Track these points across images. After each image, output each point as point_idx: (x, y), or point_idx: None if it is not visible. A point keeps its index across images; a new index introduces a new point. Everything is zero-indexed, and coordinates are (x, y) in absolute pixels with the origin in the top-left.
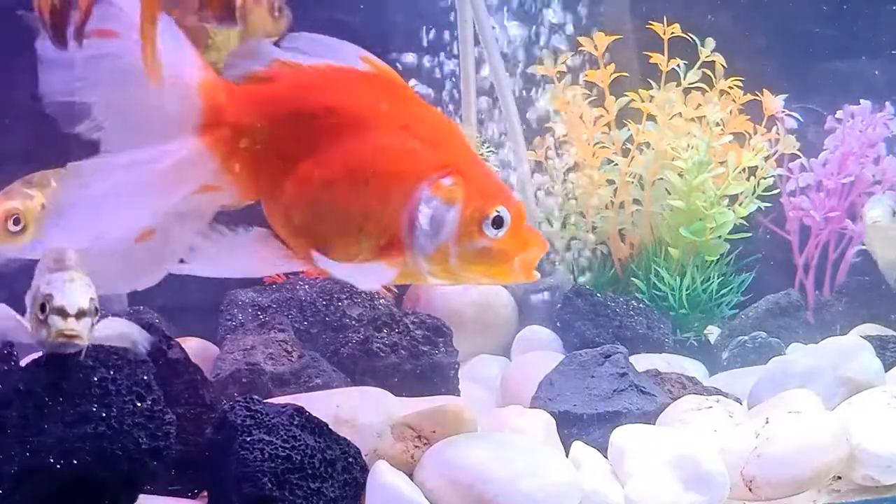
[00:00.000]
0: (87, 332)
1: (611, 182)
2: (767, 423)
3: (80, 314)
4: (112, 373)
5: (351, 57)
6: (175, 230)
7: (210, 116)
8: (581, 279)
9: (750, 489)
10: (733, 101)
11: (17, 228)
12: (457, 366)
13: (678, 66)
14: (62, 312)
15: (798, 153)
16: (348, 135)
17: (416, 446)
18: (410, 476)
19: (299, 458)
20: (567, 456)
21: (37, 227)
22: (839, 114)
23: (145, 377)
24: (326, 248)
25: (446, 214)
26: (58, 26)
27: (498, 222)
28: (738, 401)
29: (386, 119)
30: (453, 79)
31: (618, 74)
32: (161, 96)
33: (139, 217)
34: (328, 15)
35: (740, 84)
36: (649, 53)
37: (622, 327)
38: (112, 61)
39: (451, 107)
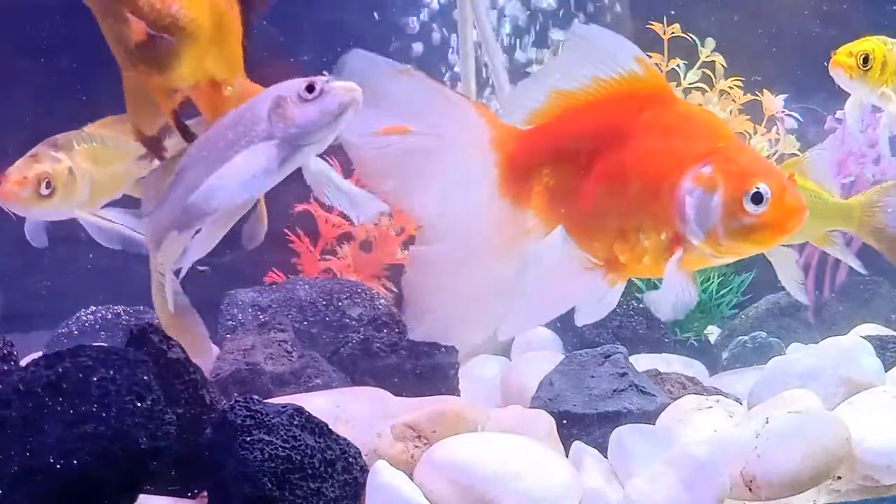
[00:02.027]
0: None
1: None
2: (767, 423)
3: None
4: (112, 373)
5: (626, 56)
6: None
7: (509, 177)
8: None
9: (750, 489)
10: (733, 101)
11: (48, 192)
12: (457, 366)
13: (678, 66)
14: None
15: (798, 153)
16: (617, 147)
17: (416, 446)
18: (410, 476)
19: (299, 458)
20: (567, 456)
21: (64, 191)
22: (839, 114)
23: (145, 377)
24: (618, 254)
25: (710, 201)
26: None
27: (758, 198)
28: (738, 401)
29: (649, 125)
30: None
31: None
32: (461, 171)
33: None
34: (329, 13)
35: (740, 84)
36: (649, 54)
37: (622, 327)
38: (407, 154)
39: None
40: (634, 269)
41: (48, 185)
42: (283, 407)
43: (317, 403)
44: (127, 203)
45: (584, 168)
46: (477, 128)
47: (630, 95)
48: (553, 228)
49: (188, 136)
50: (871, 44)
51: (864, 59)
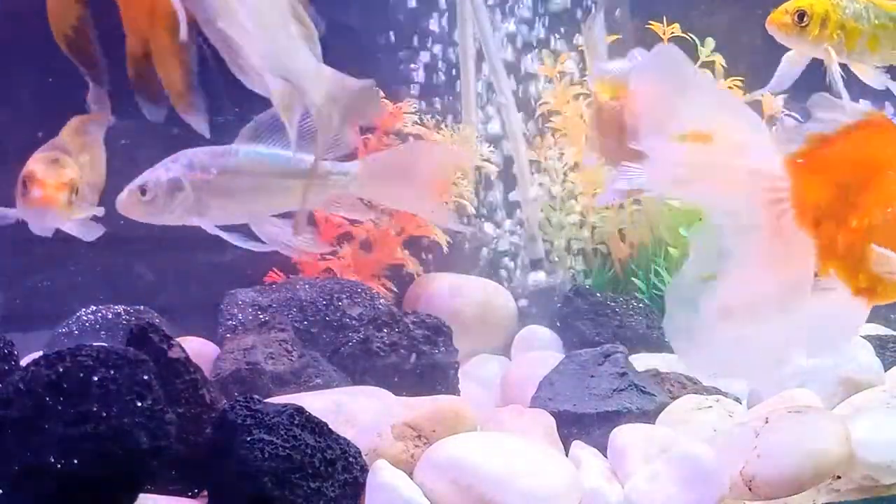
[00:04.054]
0: None
1: None
2: (767, 422)
3: None
4: (112, 372)
5: (864, 106)
6: None
7: (799, 204)
8: (581, 279)
9: (750, 488)
10: None
11: (76, 199)
12: (457, 365)
13: None
14: None
15: None
16: (887, 181)
17: (416, 446)
18: (410, 475)
19: (299, 457)
20: (567, 456)
21: (80, 195)
22: None
23: (145, 377)
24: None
25: None
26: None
27: None
28: (738, 401)
29: None
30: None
31: None
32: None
33: None
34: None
35: (740, 84)
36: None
37: (622, 327)
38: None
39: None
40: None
41: (76, 193)
42: (284, 406)
43: (317, 403)
44: None
45: (853, 200)
46: (773, 151)
47: (879, 135)
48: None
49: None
50: (810, 0)
51: (799, 15)
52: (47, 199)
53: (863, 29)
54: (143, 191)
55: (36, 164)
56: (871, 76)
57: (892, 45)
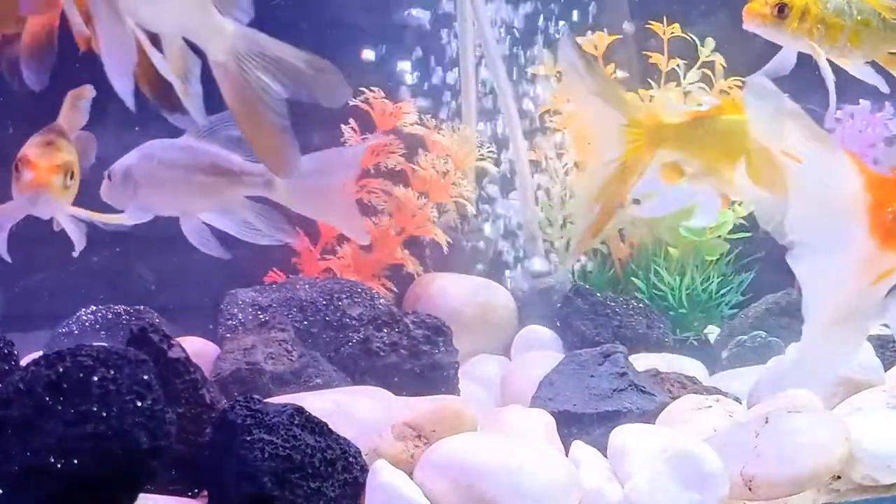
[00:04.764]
0: None
1: None
2: (767, 422)
3: None
4: (112, 372)
5: None
6: None
7: (878, 219)
8: (580, 279)
9: (749, 488)
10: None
11: (71, 182)
12: (457, 365)
13: (678, 66)
14: None
15: None
16: None
17: (416, 446)
18: (410, 475)
19: (299, 457)
20: (567, 455)
21: (75, 180)
22: (839, 114)
23: (145, 377)
24: None
25: None
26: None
27: None
28: (737, 400)
29: None
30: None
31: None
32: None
33: None
34: (327, 14)
35: (740, 84)
36: (649, 53)
37: (622, 327)
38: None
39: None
40: None
41: (72, 177)
42: (284, 406)
43: (317, 403)
44: None
45: None
46: (851, 171)
47: None
48: None
49: None
50: None
51: (779, 8)
52: (39, 181)
53: (844, 24)
54: (108, 176)
55: (30, 147)
56: (856, 70)
57: (874, 42)
